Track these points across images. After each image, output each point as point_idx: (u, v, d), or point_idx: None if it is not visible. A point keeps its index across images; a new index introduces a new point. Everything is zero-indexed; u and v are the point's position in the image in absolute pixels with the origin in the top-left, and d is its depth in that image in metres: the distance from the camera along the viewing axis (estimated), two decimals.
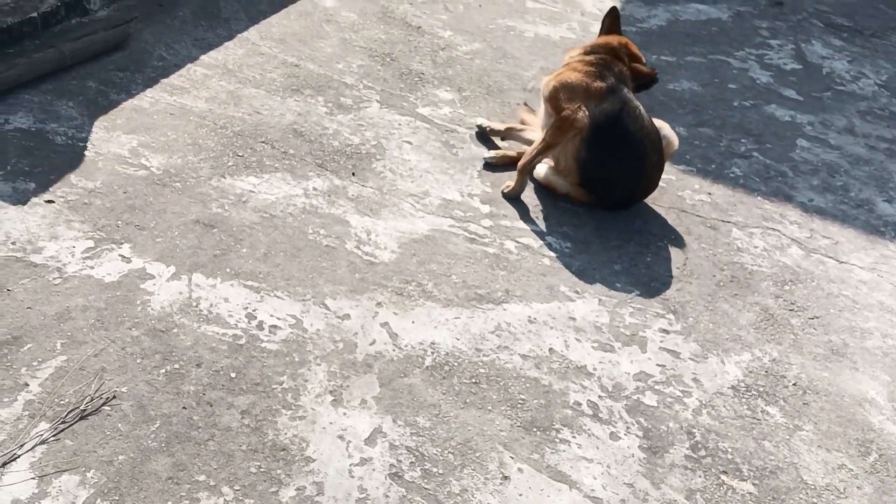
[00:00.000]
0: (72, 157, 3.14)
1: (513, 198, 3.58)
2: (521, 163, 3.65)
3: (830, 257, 3.71)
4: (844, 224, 3.97)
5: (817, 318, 3.32)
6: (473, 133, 3.94)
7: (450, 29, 4.88)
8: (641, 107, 3.60)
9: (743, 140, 4.48)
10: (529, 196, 3.62)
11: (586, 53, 3.69)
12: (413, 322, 2.83)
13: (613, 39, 3.74)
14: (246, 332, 2.62)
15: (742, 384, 2.90)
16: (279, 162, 3.42)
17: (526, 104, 4.21)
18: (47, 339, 2.42)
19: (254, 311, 2.71)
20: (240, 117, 3.61)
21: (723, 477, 2.54)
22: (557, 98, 3.57)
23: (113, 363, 2.41)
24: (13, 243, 2.71)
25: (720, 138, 4.46)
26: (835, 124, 4.89)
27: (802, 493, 2.54)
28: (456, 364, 2.70)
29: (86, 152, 3.18)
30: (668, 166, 4.08)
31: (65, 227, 2.83)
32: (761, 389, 2.90)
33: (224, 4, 4.46)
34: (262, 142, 3.50)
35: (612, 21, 3.82)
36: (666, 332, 3.06)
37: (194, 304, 2.68)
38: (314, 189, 3.33)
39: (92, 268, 2.71)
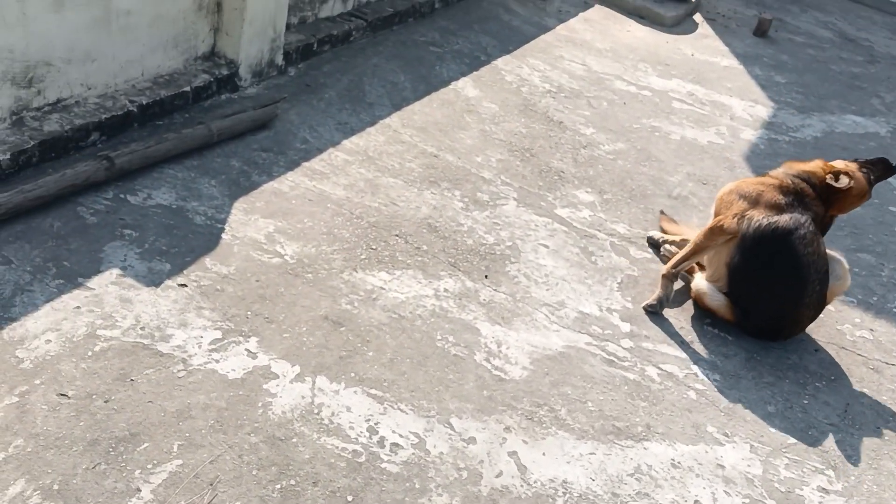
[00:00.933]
0: (209, 239, 3.10)
1: (654, 310, 3.33)
2: (665, 267, 3.41)
3: None
4: None
5: None
6: (614, 241, 3.73)
7: (592, 126, 4.72)
8: (821, 240, 3.29)
9: None
10: (674, 317, 3.35)
11: (786, 174, 3.41)
12: (544, 454, 2.59)
13: (819, 167, 3.45)
14: (366, 448, 2.45)
15: None
16: (411, 258, 3.29)
17: (663, 212, 3.97)
18: (165, 438, 2.32)
19: (376, 424, 2.54)
20: (376, 207, 3.53)
21: None
22: (722, 201, 3.39)
23: (228, 472, 2.27)
24: (142, 328, 2.66)
25: (881, 267, 4.07)
26: None
27: None
28: None
29: (223, 235, 3.14)
30: None
31: (195, 314, 2.76)
32: None
33: (370, 89, 4.45)
34: (396, 235, 3.39)
35: (882, 172, 3.50)
36: (825, 491, 2.70)
37: (316, 410, 2.53)
38: (445, 290, 3.17)
39: (217, 361, 2.62)
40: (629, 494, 2.53)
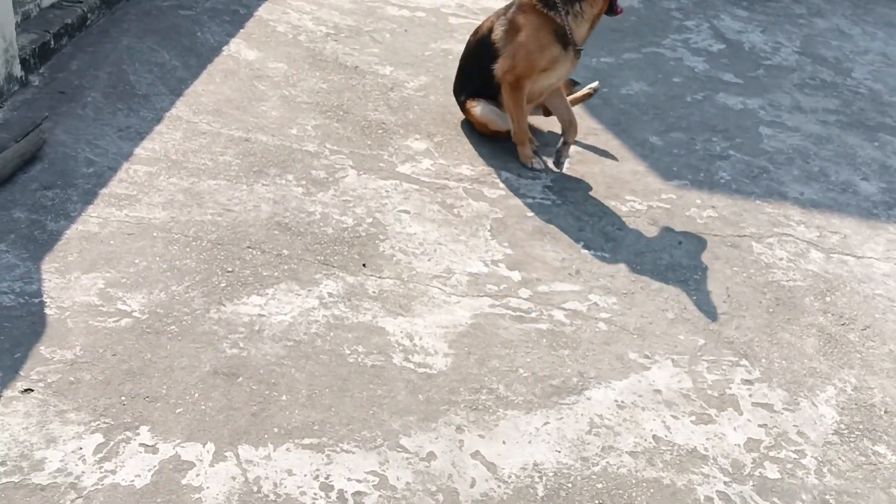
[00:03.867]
0: (32, 321, 2.50)
1: (538, 164, 3.82)
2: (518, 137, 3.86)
3: (848, 255, 3.60)
4: (841, 214, 3.89)
5: (869, 327, 3.19)
6: (465, 186, 3.55)
7: (388, 63, 4.42)
8: None
9: (714, 139, 4.32)
10: (551, 249, 3.27)
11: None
12: (504, 442, 2.44)
13: None
14: None
15: (842, 426, 2.71)
16: (277, 269, 2.90)
17: None
18: None
19: (327, 478, 2.23)
20: (210, 221, 3.05)
21: None
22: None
23: None
24: (2, 464, 2.10)
25: (693, 141, 4.28)
26: (782, 104, 4.83)
27: None
28: (570, 486, 2.34)
29: (46, 310, 2.55)
30: (664, 184, 3.86)
31: (59, 423, 2.23)
32: (861, 427, 2.72)
33: (136, 79, 3.80)
34: (248, 247, 2.97)
35: None
36: (749, 382, 2.82)
37: (255, 488, 2.17)
38: (329, 295, 2.84)
39: (114, 472, 2.14)
40: (596, 454, 2.46)
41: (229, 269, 2.85)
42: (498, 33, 3.64)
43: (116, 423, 2.26)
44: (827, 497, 2.45)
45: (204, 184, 3.23)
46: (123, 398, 2.34)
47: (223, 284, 2.79)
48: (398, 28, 4.83)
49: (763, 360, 2.94)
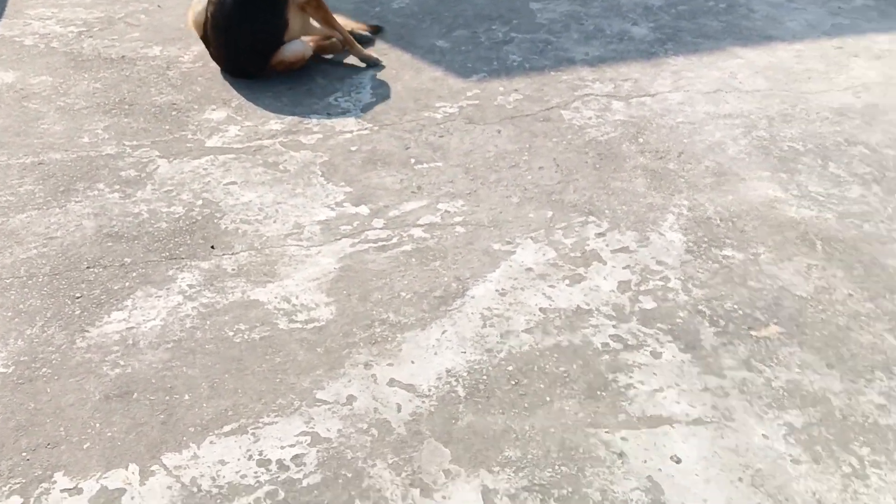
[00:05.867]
0: None
1: (374, 60, 4.10)
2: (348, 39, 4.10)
3: (644, 96, 3.91)
4: (626, 61, 4.20)
5: (682, 153, 3.51)
6: (282, 140, 3.49)
7: (154, 44, 4.18)
8: None
9: (494, 27, 4.48)
10: (390, 172, 3.31)
11: None
12: (413, 362, 2.51)
13: None
14: (275, 480, 2.15)
15: (691, 243, 3.00)
16: (126, 279, 2.76)
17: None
18: None
19: (261, 454, 2.22)
20: (37, 254, 2.83)
21: (753, 333, 2.64)
22: None
23: None
24: None
25: (476, 35, 4.41)
26: None
27: (808, 306, 2.73)
28: (486, 378, 2.47)
29: None
30: (465, 82, 3.98)
31: None
32: (706, 240, 3.03)
33: None
34: (88, 267, 2.79)
35: None
36: (602, 234, 3.05)
37: (195, 489, 2.12)
38: (190, 287, 2.75)
39: None
40: (497, 342, 2.59)
41: (78, 295, 2.69)
42: None
43: (28, 479, 2.12)
44: (699, 307, 2.73)
45: (14, 220, 2.99)
46: (24, 454, 2.19)
47: (78, 312, 2.63)
48: (150, 6, 4.57)
49: (607, 212, 3.17)
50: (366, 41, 4.26)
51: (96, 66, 3.98)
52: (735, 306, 2.73)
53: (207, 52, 3.95)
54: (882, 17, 4.69)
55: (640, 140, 3.58)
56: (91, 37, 4.23)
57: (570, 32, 4.43)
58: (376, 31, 4.40)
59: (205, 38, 3.83)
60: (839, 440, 2.29)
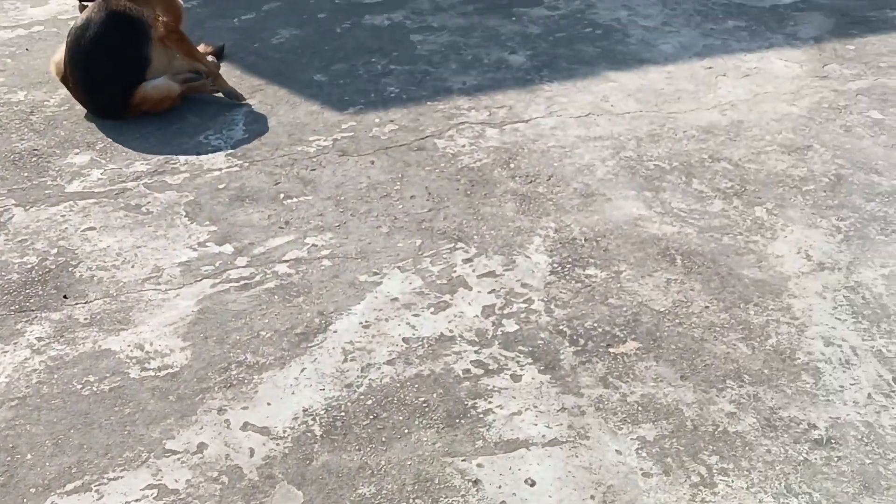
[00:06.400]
0: None
1: (237, 95, 4.06)
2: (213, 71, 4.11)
3: (517, 122, 3.96)
4: (503, 89, 4.25)
5: (552, 176, 3.56)
6: (146, 182, 3.41)
7: (19, 88, 4.07)
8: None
9: (373, 60, 4.50)
10: (243, 216, 3.27)
11: None
12: (269, 403, 2.46)
13: None
14: None
15: (556, 265, 3.03)
16: None
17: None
18: None
19: None
20: None
21: (611, 350, 2.67)
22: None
23: None
24: None
25: (355, 68, 4.42)
26: (423, 9, 5.12)
27: (665, 320, 2.78)
28: (343, 414, 2.43)
29: None
30: (341, 115, 3.97)
31: None
32: (570, 260, 3.06)
33: None
34: None
35: None
36: (469, 260, 3.06)
37: None
38: (39, 339, 2.64)
39: None
40: (358, 376, 2.55)
41: None
42: (125, 4, 3.69)
43: None
44: (561, 327, 2.75)
45: None
46: None
47: None
48: (18, 50, 4.45)
49: (475, 237, 3.18)
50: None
51: None
52: (595, 324, 2.77)
53: (67, 98, 3.86)
54: (752, 37, 4.88)
55: (512, 165, 3.62)
56: None
57: (449, 63, 4.48)
58: (218, 52, 4.38)
59: (64, 79, 3.74)
60: (689, 450, 2.32)
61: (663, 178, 3.54)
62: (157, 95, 3.77)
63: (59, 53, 3.70)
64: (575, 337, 2.71)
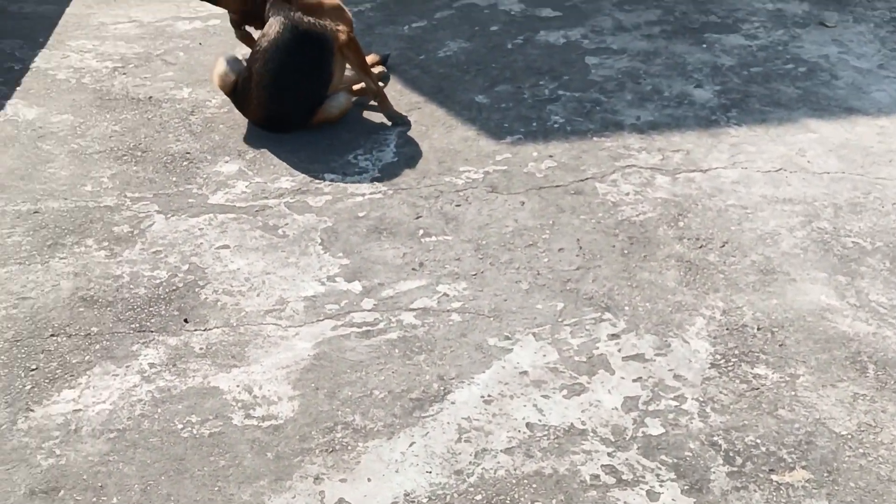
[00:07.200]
0: None
1: (402, 119, 3.83)
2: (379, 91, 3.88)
3: (693, 171, 3.52)
4: (681, 129, 3.81)
5: (727, 243, 3.11)
6: (288, 201, 3.28)
7: (185, 85, 4.07)
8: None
9: (541, 83, 4.17)
10: (389, 242, 3.05)
11: None
12: (369, 479, 2.22)
13: None
14: None
15: (718, 356, 2.61)
16: (87, 352, 2.58)
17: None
18: None
19: None
20: (4, 316, 2.69)
21: (773, 477, 2.24)
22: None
23: None
24: None
25: (520, 90, 4.11)
26: (604, 27, 4.72)
27: (846, 448, 2.31)
28: None
29: None
30: (497, 144, 3.68)
31: None
32: (737, 353, 2.63)
33: None
34: (52, 335, 2.64)
35: None
36: (616, 336, 2.69)
37: None
38: (151, 366, 2.55)
39: None
40: (470, 462, 2.28)
41: (33, 367, 2.53)
42: (312, 21, 3.54)
43: None
44: (715, 438, 2.35)
45: None
46: None
47: (28, 387, 2.46)
48: (191, 44, 4.47)
49: (626, 308, 2.81)
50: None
51: (121, 106, 3.88)
52: (758, 441, 2.33)
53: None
54: None
55: (681, 224, 3.20)
56: (124, 74, 4.15)
57: (624, 92, 4.08)
58: (383, 61, 4.20)
59: (234, 97, 3.67)
60: None
61: (862, 261, 3.01)
62: (336, 113, 3.67)
63: (222, 66, 3.63)
64: (731, 454, 2.30)
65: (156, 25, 4.66)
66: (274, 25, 3.50)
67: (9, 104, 3.86)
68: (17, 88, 3.99)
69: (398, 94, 4.04)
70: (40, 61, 4.24)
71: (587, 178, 3.46)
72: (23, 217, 3.15)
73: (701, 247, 3.09)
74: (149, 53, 4.36)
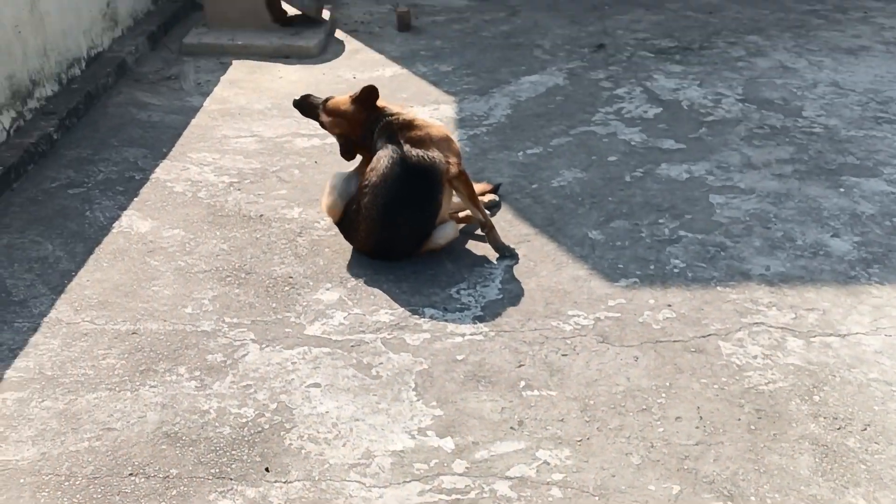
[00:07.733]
0: None
1: (510, 252, 3.68)
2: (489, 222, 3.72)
3: (831, 335, 3.17)
4: (816, 284, 3.47)
5: (869, 426, 2.74)
6: (384, 337, 3.13)
7: (296, 204, 4.06)
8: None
9: (661, 221, 3.93)
10: (486, 393, 2.84)
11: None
12: None
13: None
14: None
15: None
16: (162, 498, 2.45)
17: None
18: None
19: None
20: (86, 448, 2.62)
21: None
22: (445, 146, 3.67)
23: None
24: None
25: (638, 228, 3.88)
26: (731, 163, 4.47)
27: None
28: None
29: None
30: (610, 287, 3.45)
31: None
32: None
33: (13, 282, 3.42)
34: (130, 474, 2.53)
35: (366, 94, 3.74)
36: None
37: None
38: None
39: None
40: None
41: None
42: (421, 154, 3.50)
43: None
44: None
45: (82, 400, 2.82)
46: None
47: None
48: (307, 161, 4.49)
49: (752, 499, 2.47)
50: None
51: (231, 223, 3.89)
52: None
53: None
54: None
55: (816, 398, 2.85)
56: (239, 189, 4.19)
57: (752, 238, 3.79)
58: (494, 190, 4.08)
59: (341, 226, 3.63)
60: None
61: None
62: (443, 243, 3.58)
63: (329, 198, 3.61)
64: None
65: (275, 141, 4.73)
66: (383, 160, 3.46)
67: (125, 215, 3.94)
68: (135, 199, 4.08)
69: (507, 224, 3.90)
70: (161, 172, 4.35)
71: (709, 335, 3.17)
72: (121, 338, 3.12)
73: (839, 428, 2.73)
74: (265, 169, 4.40)
